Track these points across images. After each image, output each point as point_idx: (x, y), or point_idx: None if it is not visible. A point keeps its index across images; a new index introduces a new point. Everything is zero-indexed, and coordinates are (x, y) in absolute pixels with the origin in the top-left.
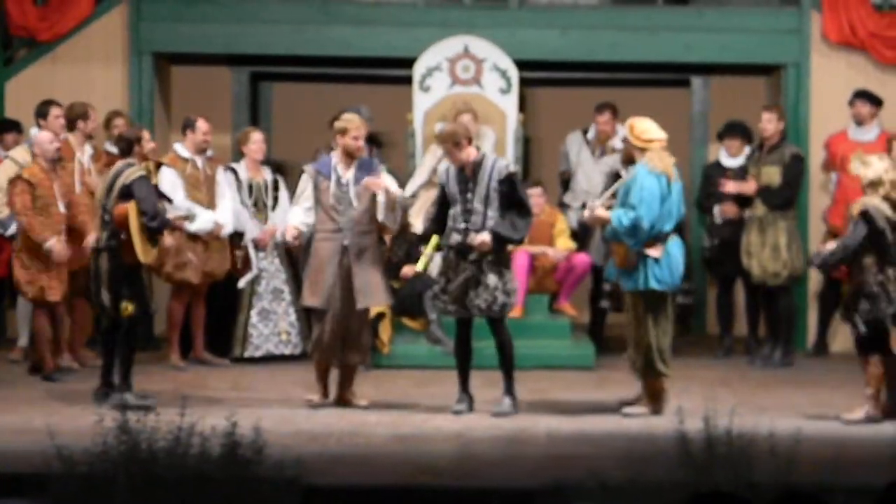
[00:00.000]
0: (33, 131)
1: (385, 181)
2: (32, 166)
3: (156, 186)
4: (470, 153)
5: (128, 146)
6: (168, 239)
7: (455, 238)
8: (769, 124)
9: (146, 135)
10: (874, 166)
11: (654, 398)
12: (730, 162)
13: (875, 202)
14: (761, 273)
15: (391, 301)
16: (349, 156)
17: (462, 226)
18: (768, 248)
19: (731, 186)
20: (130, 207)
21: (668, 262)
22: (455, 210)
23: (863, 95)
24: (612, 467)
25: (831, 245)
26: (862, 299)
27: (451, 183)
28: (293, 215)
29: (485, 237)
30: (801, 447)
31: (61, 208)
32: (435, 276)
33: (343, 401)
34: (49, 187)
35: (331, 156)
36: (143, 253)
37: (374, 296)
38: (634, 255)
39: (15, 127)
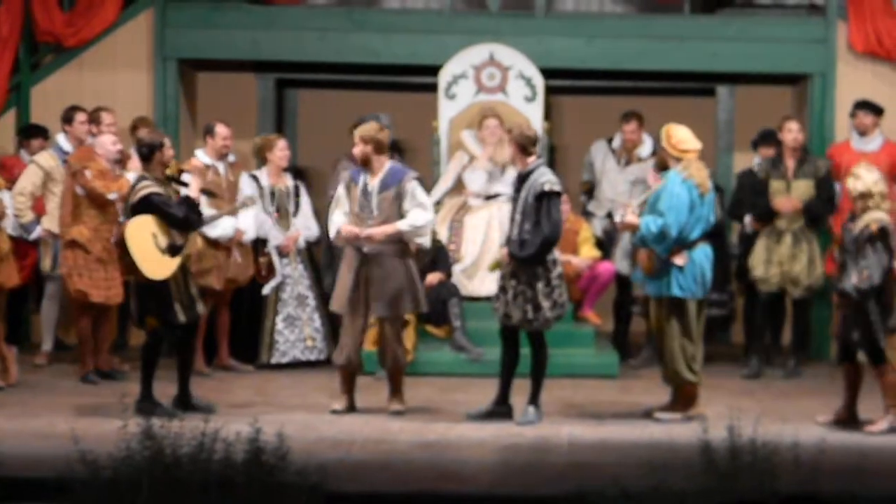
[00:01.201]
0: (59, 137)
1: (414, 190)
2: (93, 164)
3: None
4: (527, 162)
5: (149, 152)
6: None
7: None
8: (800, 134)
9: (167, 141)
10: (864, 179)
11: (683, 404)
12: None
13: (881, 216)
14: (784, 283)
15: (413, 310)
16: (364, 164)
17: (508, 233)
18: (804, 260)
19: (785, 205)
20: (129, 226)
21: (693, 270)
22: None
23: (864, 105)
24: (634, 475)
25: (856, 272)
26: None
27: (514, 188)
28: (337, 218)
29: (504, 251)
30: (825, 457)
31: (119, 210)
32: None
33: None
34: (111, 181)
35: None
36: (151, 270)
37: (389, 306)
38: (659, 261)
39: (42, 132)
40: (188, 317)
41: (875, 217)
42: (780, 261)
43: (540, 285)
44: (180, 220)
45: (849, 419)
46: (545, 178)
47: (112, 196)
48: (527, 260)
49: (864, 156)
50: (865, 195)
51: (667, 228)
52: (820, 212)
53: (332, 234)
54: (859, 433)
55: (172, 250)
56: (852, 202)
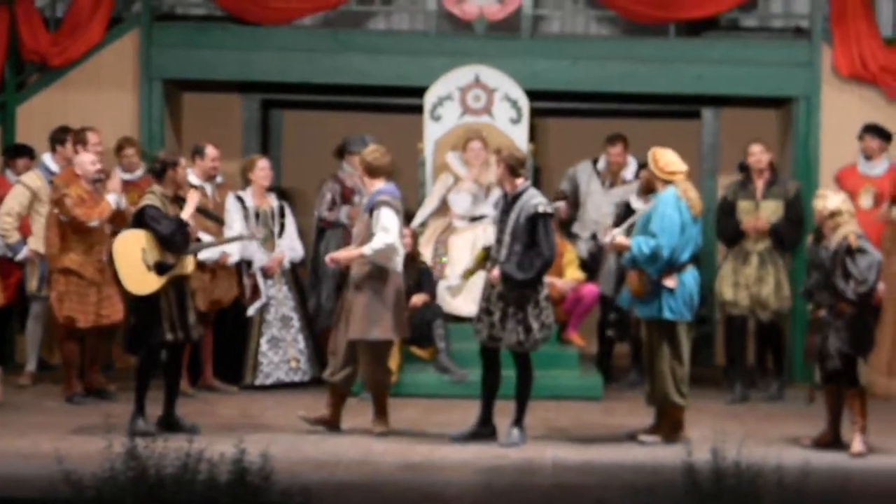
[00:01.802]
0: (45, 157)
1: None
2: (74, 187)
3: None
4: (515, 184)
5: (162, 169)
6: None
7: (489, 266)
8: (763, 156)
9: (183, 161)
10: (831, 198)
11: (670, 428)
12: None
13: (854, 228)
14: (752, 305)
15: (380, 337)
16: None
17: (494, 255)
18: (771, 283)
19: (751, 225)
20: (119, 238)
21: (683, 292)
22: (495, 238)
23: (872, 130)
24: (618, 498)
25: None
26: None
27: (497, 211)
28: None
29: (496, 273)
30: (809, 479)
31: (107, 228)
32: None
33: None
34: (92, 207)
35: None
36: (133, 283)
37: (359, 328)
38: (650, 283)
39: (27, 152)
40: (176, 337)
41: (849, 230)
42: (747, 283)
43: (530, 307)
44: (164, 237)
45: (832, 441)
46: (537, 200)
47: (93, 223)
48: (526, 283)
49: (870, 179)
50: (835, 213)
51: (659, 250)
52: (788, 233)
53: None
54: (843, 456)
55: (160, 268)
56: (821, 223)
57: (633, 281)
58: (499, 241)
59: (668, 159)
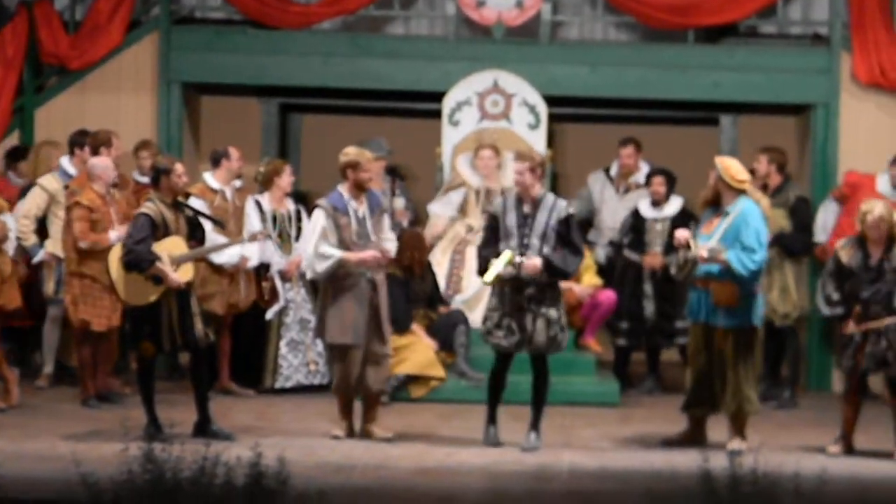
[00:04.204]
0: (63, 160)
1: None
2: (87, 191)
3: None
4: (537, 188)
5: (156, 175)
6: (174, 279)
7: (510, 272)
8: (758, 165)
9: (179, 167)
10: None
11: (742, 433)
12: None
13: None
14: (767, 313)
15: (329, 339)
16: (360, 189)
17: (518, 260)
18: (777, 289)
19: None
20: (114, 249)
21: (761, 299)
22: (509, 244)
23: None
24: None
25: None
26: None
27: (510, 216)
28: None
29: (537, 261)
30: (827, 487)
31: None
32: (486, 310)
33: (367, 433)
34: (106, 212)
35: (338, 190)
36: (128, 293)
37: (319, 329)
38: (740, 292)
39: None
40: (173, 346)
41: None
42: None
43: (558, 307)
44: (125, 252)
45: (850, 449)
46: (564, 202)
47: (83, 245)
48: (566, 276)
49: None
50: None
51: (762, 264)
52: (792, 242)
53: (324, 266)
54: (861, 463)
55: (156, 278)
56: (881, 233)
57: (726, 292)
58: (523, 245)
59: (737, 168)
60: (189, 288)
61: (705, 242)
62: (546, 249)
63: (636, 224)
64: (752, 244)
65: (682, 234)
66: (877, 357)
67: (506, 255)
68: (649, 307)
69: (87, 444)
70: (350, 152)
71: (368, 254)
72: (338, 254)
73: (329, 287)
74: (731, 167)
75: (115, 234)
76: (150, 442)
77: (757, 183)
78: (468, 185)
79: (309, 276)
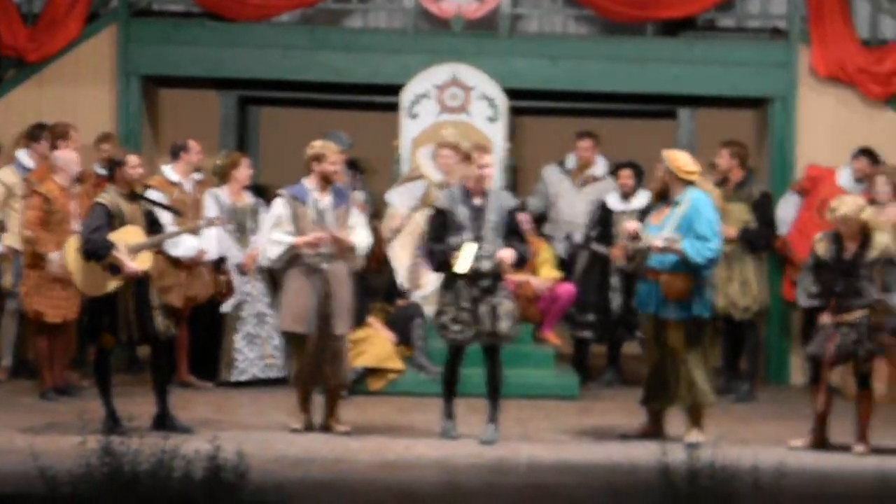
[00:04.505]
0: (20, 153)
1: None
2: (48, 182)
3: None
4: (490, 180)
5: (110, 169)
6: (132, 266)
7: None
8: (720, 159)
9: (133, 160)
10: (863, 205)
11: (698, 424)
12: None
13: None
14: (726, 306)
15: (365, 325)
16: (326, 181)
17: (481, 253)
18: (736, 282)
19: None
20: (70, 241)
21: (709, 290)
22: (463, 237)
23: (868, 154)
24: (593, 498)
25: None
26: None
27: (460, 210)
28: (282, 237)
29: (509, 252)
30: (785, 480)
31: (75, 227)
32: (440, 305)
33: (327, 426)
34: (66, 205)
35: (303, 182)
36: (86, 284)
37: (349, 320)
38: (692, 284)
39: None
40: (131, 338)
41: (889, 239)
42: (716, 284)
43: (511, 297)
44: (82, 241)
45: (823, 443)
46: (507, 192)
47: (26, 233)
48: (526, 263)
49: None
50: (868, 220)
51: (718, 253)
52: (755, 237)
53: (277, 252)
54: (818, 456)
55: (114, 268)
56: (849, 228)
57: (679, 284)
58: (478, 238)
59: (685, 160)
60: (148, 280)
61: (655, 233)
62: (499, 241)
63: (604, 217)
64: (706, 233)
65: (631, 225)
66: (845, 349)
67: (469, 247)
68: (616, 300)
69: (45, 437)
70: (316, 145)
71: (314, 235)
72: (288, 239)
73: (286, 277)
74: (679, 159)
75: (56, 256)
76: (108, 435)
77: (717, 177)
78: (428, 178)
79: (263, 263)
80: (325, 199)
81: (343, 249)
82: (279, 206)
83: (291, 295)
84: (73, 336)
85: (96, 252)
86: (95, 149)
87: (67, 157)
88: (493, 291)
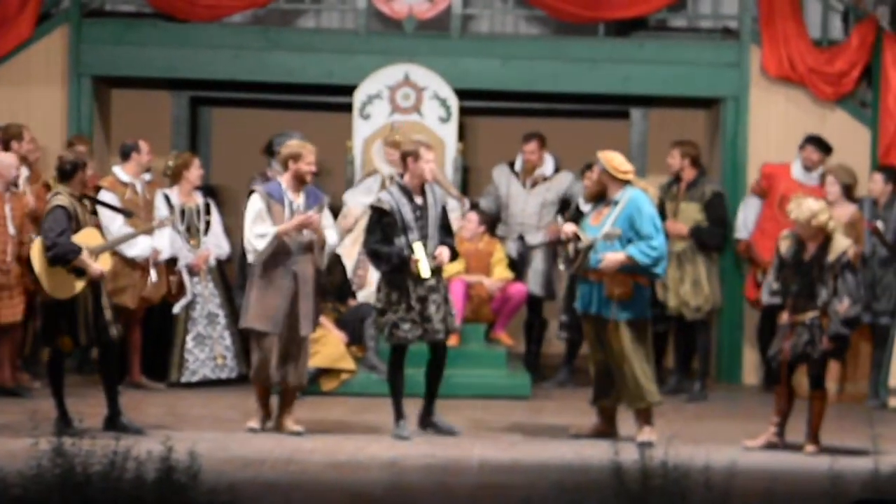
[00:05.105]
0: None
1: (323, 219)
2: None
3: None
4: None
5: (72, 170)
6: (96, 268)
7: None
8: (671, 159)
9: (89, 164)
10: (822, 207)
11: (649, 423)
12: None
13: (849, 242)
14: (678, 306)
15: (241, 324)
16: (300, 182)
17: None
18: (688, 282)
19: (669, 228)
20: (35, 242)
21: (649, 290)
22: (409, 237)
23: (815, 141)
24: (546, 498)
25: (843, 305)
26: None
27: (405, 211)
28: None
29: (446, 251)
30: (736, 480)
31: (11, 230)
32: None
33: (280, 426)
34: (1, 207)
35: (278, 181)
36: (52, 287)
37: (313, 321)
38: (635, 284)
39: None
40: (90, 340)
41: (848, 244)
42: (664, 283)
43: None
44: (49, 246)
45: (780, 443)
46: (440, 189)
47: None
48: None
49: (804, 188)
50: (829, 223)
51: (662, 251)
52: (706, 237)
53: (263, 244)
54: (770, 456)
55: (77, 270)
56: (809, 230)
57: (621, 285)
58: (424, 236)
59: (620, 160)
60: (101, 282)
61: (595, 234)
62: (439, 237)
63: (575, 218)
64: (649, 232)
65: (568, 227)
66: (798, 350)
67: (419, 248)
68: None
69: None
70: (293, 144)
71: (301, 217)
72: (273, 229)
73: (256, 276)
74: (614, 159)
75: None
76: (59, 436)
77: (685, 178)
78: (380, 172)
79: (250, 258)
80: (299, 201)
81: (321, 240)
82: (257, 202)
83: (259, 292)
84: (20, 337)
85: (65, 256)
86: (68, 150)
87: (6, 161)
88: (437, 289)
